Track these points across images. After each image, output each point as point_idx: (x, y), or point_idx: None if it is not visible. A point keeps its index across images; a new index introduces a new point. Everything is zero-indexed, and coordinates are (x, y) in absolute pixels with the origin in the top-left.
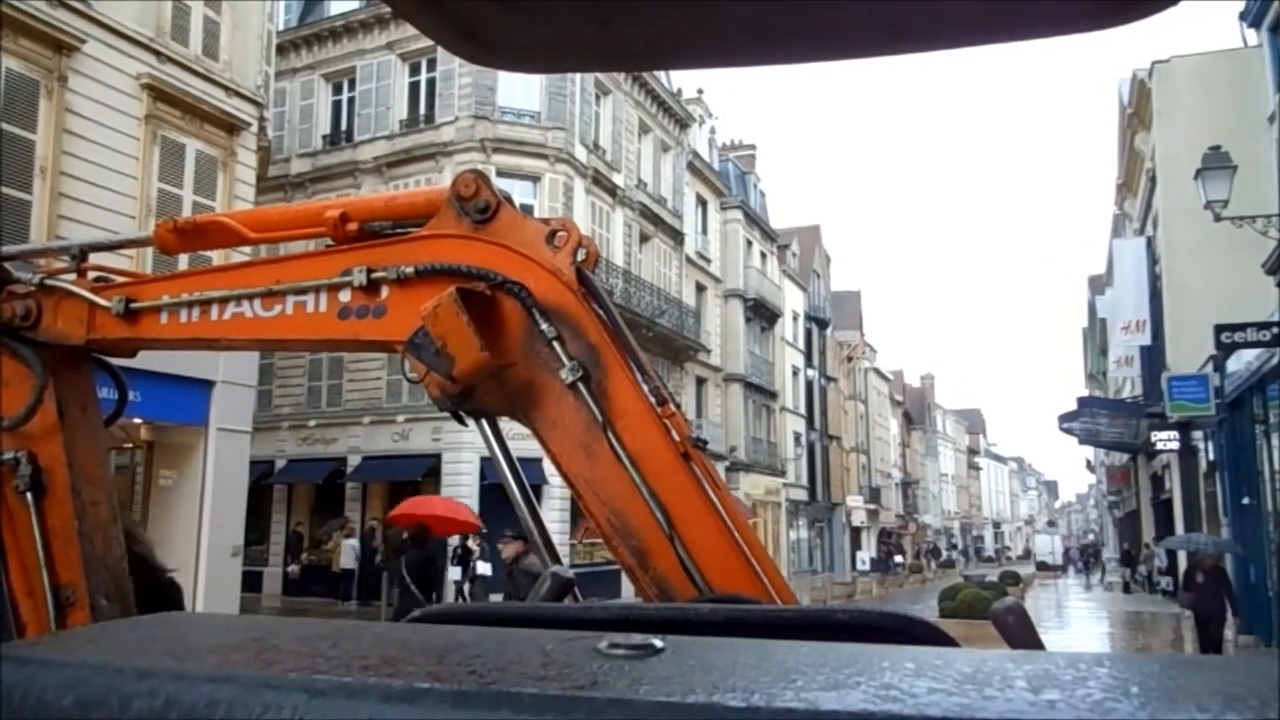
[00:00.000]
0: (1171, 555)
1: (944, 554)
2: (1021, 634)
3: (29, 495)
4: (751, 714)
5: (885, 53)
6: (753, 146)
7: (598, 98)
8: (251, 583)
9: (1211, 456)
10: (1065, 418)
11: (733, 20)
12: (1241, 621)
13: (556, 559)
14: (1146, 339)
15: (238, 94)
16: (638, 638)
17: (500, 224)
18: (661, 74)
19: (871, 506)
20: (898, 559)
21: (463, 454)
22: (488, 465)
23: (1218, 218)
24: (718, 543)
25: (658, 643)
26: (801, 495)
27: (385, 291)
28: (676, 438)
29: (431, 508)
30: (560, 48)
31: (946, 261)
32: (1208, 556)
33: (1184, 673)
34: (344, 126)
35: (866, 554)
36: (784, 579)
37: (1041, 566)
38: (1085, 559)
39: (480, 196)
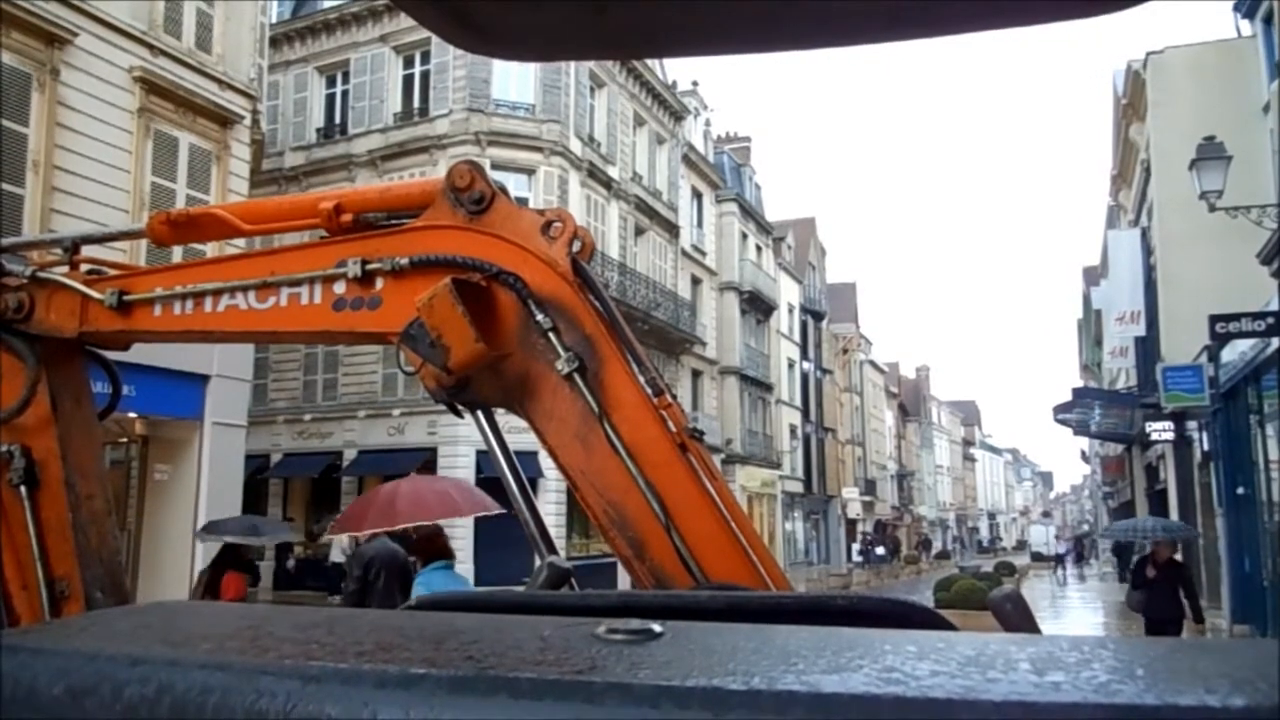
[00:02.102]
0: None
1: (935, 546)
2: (1020, 622)
3: (23, 489)
4: (752, 697)
5: (882, 39)
6: (748, 139)
7: (592, 90)
8: None
9: (1206, 447)
10: (1060, 409)
11: (728, 6)
12: (1235, 610)
13: (553, 551)
14: (1141, 330)
15: (231, 87)
16: (636, 623)
17: (495, 215)
18: (656, 66)
19: (867, 498)
20: (879, 550)
21: (459, 448)
22: (484, 459)
23: (1212, 208)
24: (714, 533)
25: (656, 628)
26: (797, 487)
27: (380, 283)
28: (673, 428)
29: None
30: (555, 35)
31: (942, 254)
32: (1161, 546)
33: (1189, 655)
34: (338, 120)
35: (856, 546)
36: (780, 569)
37: (1036, 557)
38: (1079, 551)
39: (475, 187)
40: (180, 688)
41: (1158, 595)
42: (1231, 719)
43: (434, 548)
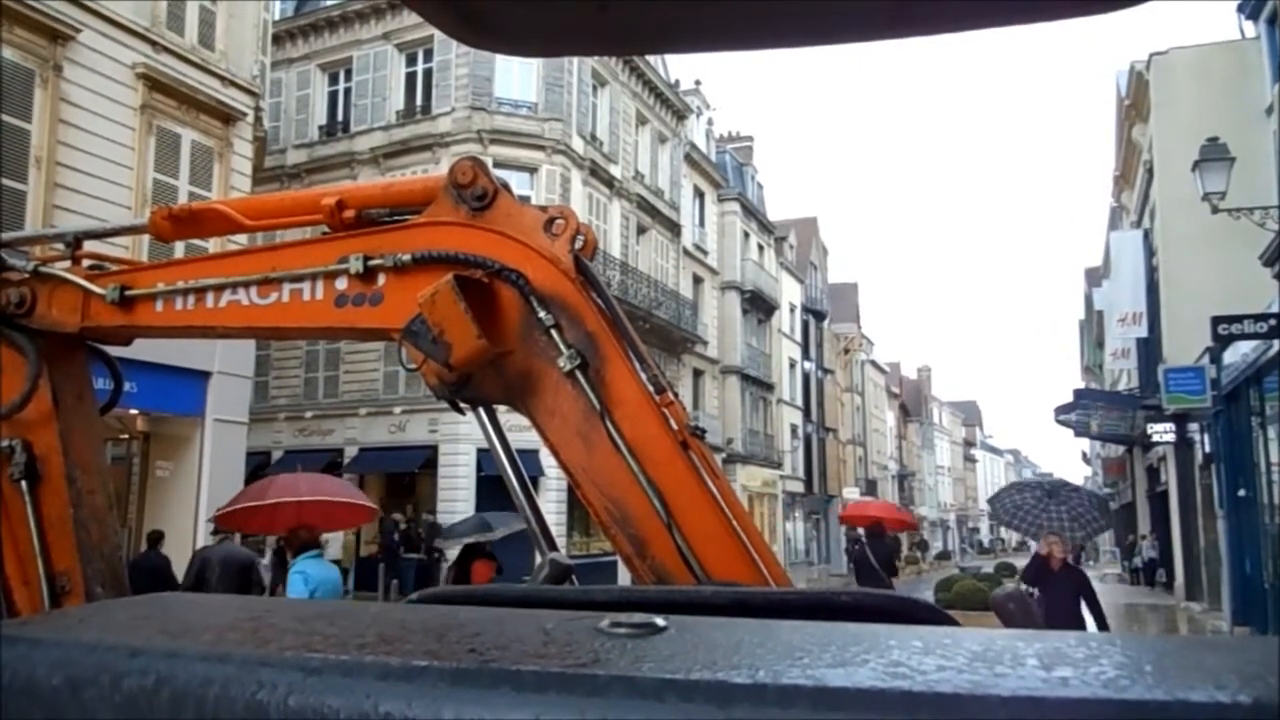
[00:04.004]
0: (1165, 544)
1: (934, 547)
2: (1023, 621)
3: (24, 483)
4: (758, 691)
5: (885, 36)
6: (750, 138)
7: (595, 89)
8: None
9: (1208, 449)
10: (1062, 410)
11: (730, 3)
12: (1236, 612)
13: (554, 548)
14: (1143, 331)
15: (233, 84)
16: (640, 617)
17: (498, 211)
18: (659, 64)
19: (868, 499)
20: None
21: (459, 446)
22: (485, 457)
23: (1215, 209)
24: (716, 530)
25: (660, 622)
26: (798, 487)
27: (382, 279)
28: (675, 426)
29: (871, 510)
30: (557, 30)
31: (944, 254)
32: (1053, 544)
33: (1198, 651)
34: (340, 117)
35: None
36: (781, 567)
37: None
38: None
39: (478, 184)
40: (180, 679)
41: (1057, 604)
42: (1241, 715)
43: (298, 539)
